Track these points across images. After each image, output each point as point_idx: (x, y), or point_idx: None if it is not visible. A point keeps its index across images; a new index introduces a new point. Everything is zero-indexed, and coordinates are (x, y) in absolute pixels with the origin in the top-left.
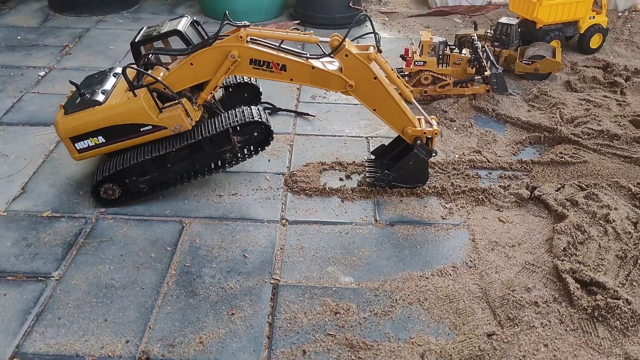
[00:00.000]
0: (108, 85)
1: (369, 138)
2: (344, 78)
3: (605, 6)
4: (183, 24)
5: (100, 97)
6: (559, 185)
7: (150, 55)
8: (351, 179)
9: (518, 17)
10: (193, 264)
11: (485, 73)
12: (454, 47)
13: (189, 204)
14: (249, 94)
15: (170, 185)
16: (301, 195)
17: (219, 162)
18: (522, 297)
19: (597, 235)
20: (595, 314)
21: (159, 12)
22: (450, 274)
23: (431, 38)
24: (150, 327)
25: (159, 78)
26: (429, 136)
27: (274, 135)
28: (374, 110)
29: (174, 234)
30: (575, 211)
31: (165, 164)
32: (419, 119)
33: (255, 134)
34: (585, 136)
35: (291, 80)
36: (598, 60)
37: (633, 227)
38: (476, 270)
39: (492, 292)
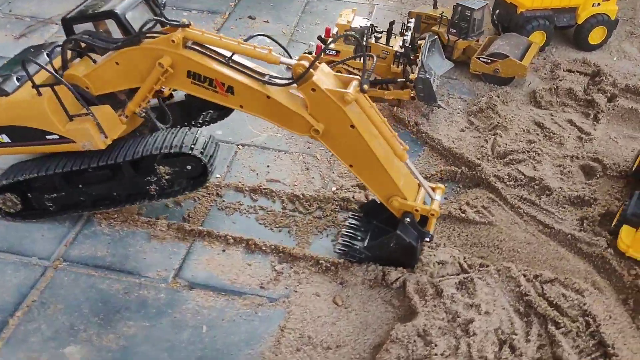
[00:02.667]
0: (32, 69)
1: (241, 146)
2: (308, 120)
3: None
4: (127, 4)
5: (10, 87)
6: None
7: (75, 41)
8: (181, 205)
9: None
10: None
11: (411, 75)
12: (380, 34)
13: None
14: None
15: (82, 208)
16: (102, 225)
17: (143, 193)
18: None
19: (442, 352)
20: None
21: None
22: None
23: (349, 21)
24: None
25: (80, 75)
26: (424, 214)
27: (212, 170)
28: (350, 166)
29: None
30: (435, 306)
31: (77, 183)
32: (419, 186)
33: (189, 167)
34: (511, 182)
35: (241, 107)
36: (588, 64)
37: (496, 349)
38: None
39: None
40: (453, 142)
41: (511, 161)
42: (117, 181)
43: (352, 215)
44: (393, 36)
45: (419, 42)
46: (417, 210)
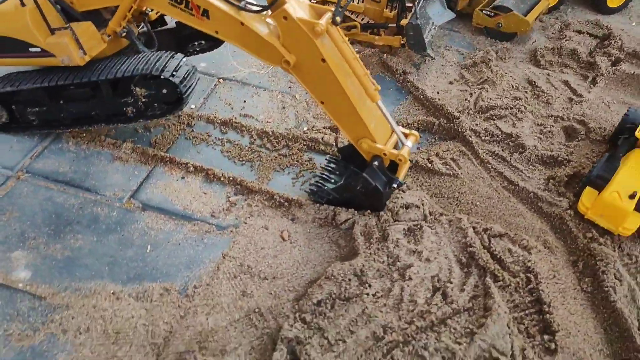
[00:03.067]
0: None
1: (222, 80)
2: (279, 50)
3: None
4: None
5: None
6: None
7: None
8: (151, 131)
9: None
10: None
11: (402, 21)
12: None
13: None
14: None
15: (64, 125)
16: (69, 143)
17: (121, 114)
18: None
19: (374, 293)
20: None
21: None
22: (151, 300)
23: None
24: None
25: None
26: (392, 159)
27: (188, 95)
28: (322, 103)
29: None
30: (378, 249)
31: (59, 99)
32: (392, 131)
33: (165, 91)
34: (486, 137)
35: (217, 33)
36: (600, 26)
37: (429, 295)
38: (190, 304)
39: (174, 344)
40: (437, 93)
41: (492, 116)
42: (97, 100)
43: (330, 157)
44: None
45: None
46: (385, 155)
